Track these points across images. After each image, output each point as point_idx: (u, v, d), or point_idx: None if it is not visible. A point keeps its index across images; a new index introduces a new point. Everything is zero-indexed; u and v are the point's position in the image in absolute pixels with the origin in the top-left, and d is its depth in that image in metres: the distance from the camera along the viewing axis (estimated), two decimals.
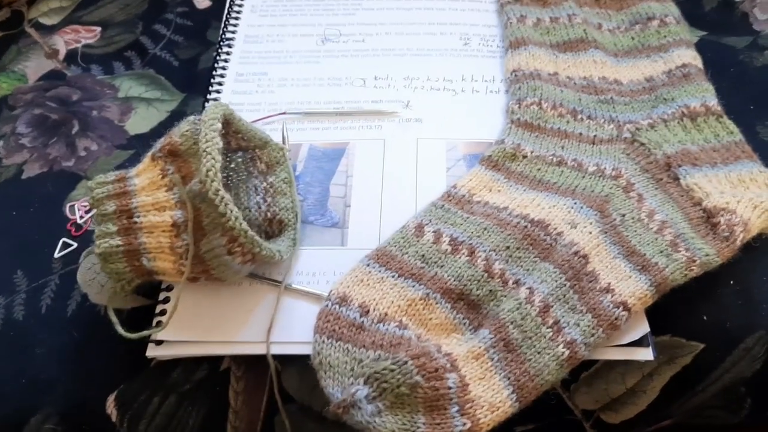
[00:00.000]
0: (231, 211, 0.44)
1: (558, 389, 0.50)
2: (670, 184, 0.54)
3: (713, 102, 0.59)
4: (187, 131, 0.48)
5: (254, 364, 0.50)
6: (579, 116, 0.59)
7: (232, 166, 0.54)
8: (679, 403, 0.53)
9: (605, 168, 0.55)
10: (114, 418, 0.49)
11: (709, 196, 0.53)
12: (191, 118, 0.49)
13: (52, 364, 0.50)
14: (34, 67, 0.70)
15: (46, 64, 0.71)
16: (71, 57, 0.71)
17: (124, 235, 0.47)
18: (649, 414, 0.53)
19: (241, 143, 0.53)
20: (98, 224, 0.48)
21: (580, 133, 0.58)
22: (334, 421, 0.50)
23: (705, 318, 0.51)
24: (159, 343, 0.49)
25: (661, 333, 0.50)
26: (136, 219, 0.47)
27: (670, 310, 0.50)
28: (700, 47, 0.65)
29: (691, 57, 0.62)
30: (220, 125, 0.47)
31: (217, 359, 0.50)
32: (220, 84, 0.65)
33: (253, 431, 0.51)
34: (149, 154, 0.50)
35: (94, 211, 0.48)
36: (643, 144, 0.57)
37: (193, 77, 0.68)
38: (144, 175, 0.49)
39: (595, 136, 0.57)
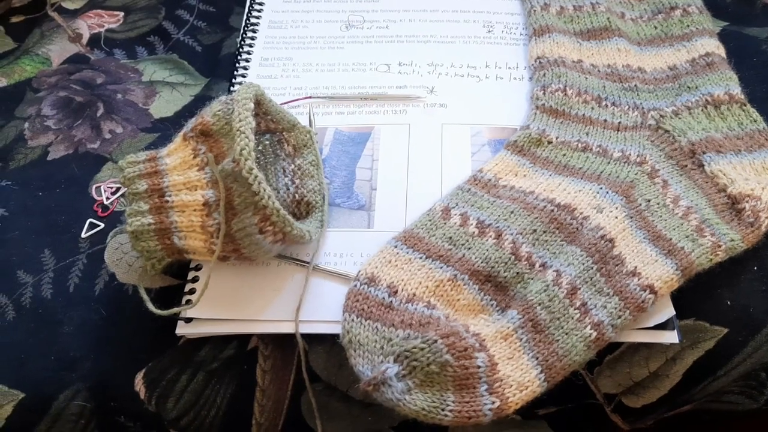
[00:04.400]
0: (264, 190, 0.45)
1: (583, 371, 0.51)
2: (695, 170, 0.55)
3: (737, 90, 0.59)
4: (219, 111, 0.48)
5: (281, 343, 0.51)
6: (603, 103, 0.59)
7: (260, 148, 0.54)
8: (700, 388, 0.53)
9: (630, 154, 0.55)
10: (142, 395, 0.50)
11: (733, 182, 0.53)
12: (223, 98, 0.50)
13: (81, 341, 0.51)
14: (57, 50, 0.71)
15: (69, 47, 0.71)
16: (94, 41, 0.72)
17: (156, 213, 0.48)
18: (670, 398, 0.53)
19: (270, 125, 0.54)
20: (130, 203, 0.48)
21: (605, 120, 0.58)
22: (360, 401, 0.50)
23: (729, 303, 0.51)
24: (188, 321, 0.49)
25: (685, 317, 0.51)
26: (167, 198, 0.48)
27: (694, 294, 0.50)
28: (723, 37, 0.66)
29: (714, 46, 0.63)
30: (252, 105, 0.47)
31: (245, 338, 0.51)
32: (245, 68, 0.65)
33: (280, 409, 0.51)
34: (180, 133, 0.50)
35: (125, 190, 0.49)
36: (667, 131, 0.57)
37: (216, 62, 0.69)
38: (175, 155, 0.49)
39: (619, 122, 0.58)
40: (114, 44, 0.71)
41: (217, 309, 0.49)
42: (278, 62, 0.66)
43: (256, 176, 0.44)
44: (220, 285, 0.50)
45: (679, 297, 0.49)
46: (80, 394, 0.50)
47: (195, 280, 0.51)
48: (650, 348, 0.51)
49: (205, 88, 0.66)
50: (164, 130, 0.63)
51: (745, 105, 0.59)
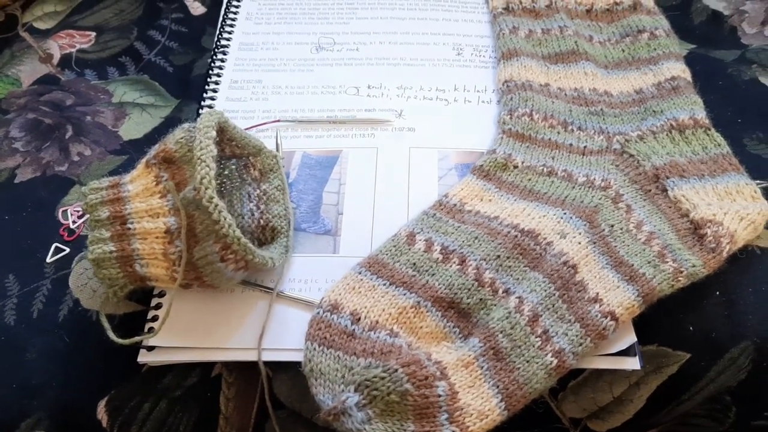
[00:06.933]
0: (224, 219, 0.45)
1: (546, 397, 0.51)
2: (658, 195, 0.55)
3: (701, 115, 0.60)
4: (181, 138, 0.48)
5: (245, 370, 0.50)
6: (569, 127, 0.59)
7: (226, 173, 0.54)
8: (665, 412, 0.53)
9: (595, 179, 0.56)
10: (105, 424, 0.49)
11: (696, 207, 0.54)
12: (186, 125, 0.50)
13: (44, 368, 0.50)
14: (28, 71, 0.70)
15: (40, 68, 0.71)
16: (65, 61, 0.71)
17: (118, 241, 0.48)
18: (636, 422, 0.53)
19: (235, 151, 0.54)
20: (91, 230, 0.48)
21: (571, 144, 0.58)
22: (324, 428, 0.50)
23: (691, 328, 0.51)
24: (150, 348, 0.49)
25: (648, 343, 0.51)
26: (129, 225, 0.48)
27: (657, 320, 0.50)
28: (690, 60, 0.66)
29: (680, 70, 0.63)
30: (214, 133, 0.47)
31: (209, 365, 0.50)
32: (214, 91, 0.65)
33: None
34: (143, 160, 0.50)
35: (88, 216, 0.49)
36: (632, 155, 0.58)
37: (188, 83, 0.69)
38: (138, 182, 0.49)
39: (585, 147, 0.58)
40: (85, 65, 0.71)
41: (180, 337, 0.49)
42: (248, 85, 0.66)
43: (216, 205, 0.44)
44: (183, 312, 0.49)
45: (642, 322, 0.50)
46: (42, 423, 0.49)
47: (158, 306, 0.51)
48: (614, 373, 0.51)
49: (175, 110, 0.66)
50: (133, 152, 0.62)
51: (709, 129, 0.59)
